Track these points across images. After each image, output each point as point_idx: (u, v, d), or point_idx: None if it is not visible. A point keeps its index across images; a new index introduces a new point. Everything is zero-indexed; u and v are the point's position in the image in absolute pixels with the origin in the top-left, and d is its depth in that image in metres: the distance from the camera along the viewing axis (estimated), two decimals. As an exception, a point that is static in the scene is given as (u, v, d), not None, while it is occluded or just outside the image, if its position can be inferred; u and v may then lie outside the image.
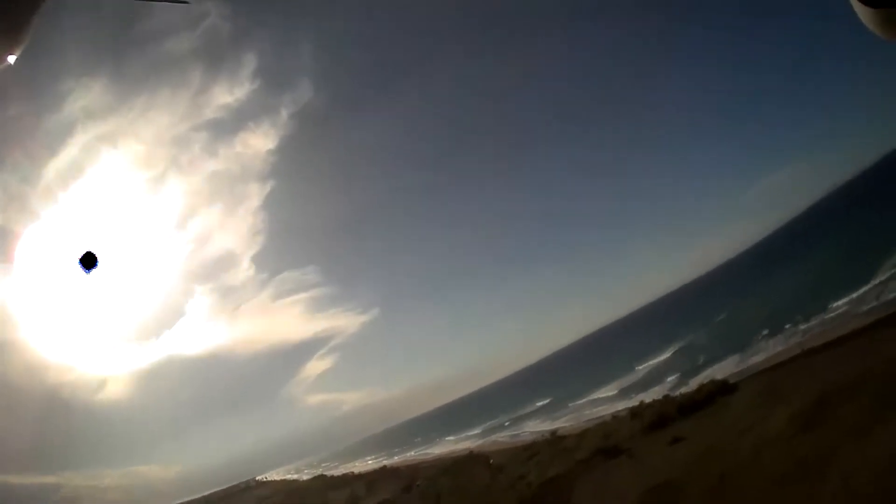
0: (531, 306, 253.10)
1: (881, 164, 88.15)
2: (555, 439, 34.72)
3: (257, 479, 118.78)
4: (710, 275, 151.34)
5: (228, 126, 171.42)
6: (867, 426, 12.72)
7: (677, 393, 29.49)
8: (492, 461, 35.27)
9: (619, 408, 36.55)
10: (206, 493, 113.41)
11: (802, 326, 32.51)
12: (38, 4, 3.68)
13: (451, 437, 75.82)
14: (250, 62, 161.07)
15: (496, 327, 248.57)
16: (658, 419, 24.85)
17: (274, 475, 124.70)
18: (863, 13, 2.59)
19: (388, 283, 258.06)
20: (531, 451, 34.09)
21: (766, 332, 36.76)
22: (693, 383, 32.16)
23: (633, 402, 34.74)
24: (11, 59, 3.77)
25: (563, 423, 44.38)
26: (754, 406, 19.47)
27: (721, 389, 24.62)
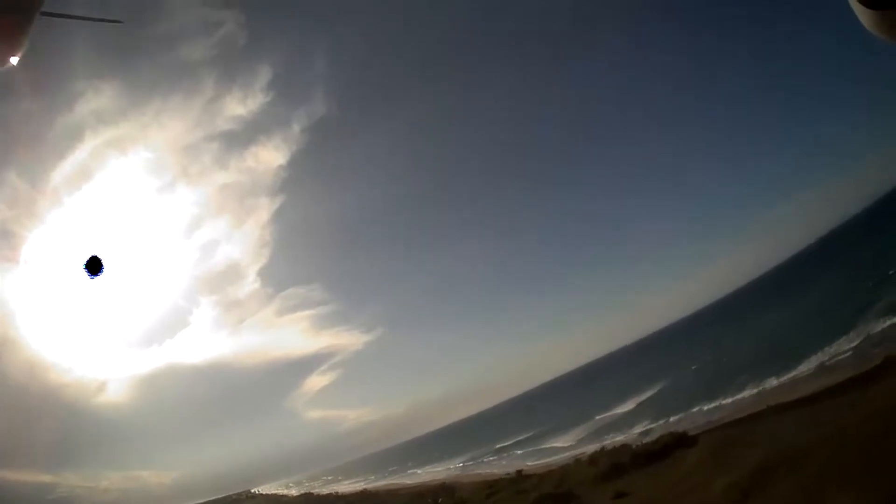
0: (534, 332, 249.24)
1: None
2: (518, 478, 33.52)
3: (252, 491, 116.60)
4: (720, 302, 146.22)
5: (240, 138, 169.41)
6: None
7: (637, 443, 27.25)
8: (440, 500, 33.44)
9: (586, 450, 34.67)
10: (199, 501, 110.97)
11: (775, 381, 30.31)
12: (37, 10, 3.65)
13: (430, 468, 73.86)
14: (264, 74, 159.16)
15: (497, 352, 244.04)
16: (611, 468, 23.00)
17: (267, 489, 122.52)
18: (863, 15, 2.49)
19: (392, 304, 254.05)
20: (494, 488, 32.88)
21: (742, 378, 34.36)
22: (657, 430, 29.98)
23: (600, 444, 32.67)
24: (14, 60, 3.77)
25: (532, 461, 42.30)
26: (702, 467, 17.35)
27: (679, 442, 22.60)
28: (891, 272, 37.90)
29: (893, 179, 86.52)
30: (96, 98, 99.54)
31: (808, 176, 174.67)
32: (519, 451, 54.02)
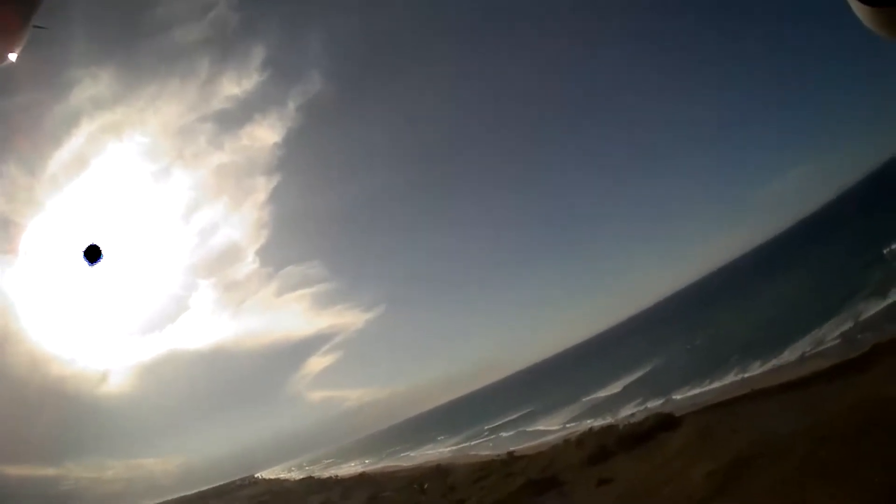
0: (534, 307, 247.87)
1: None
2: (510, 460, 33.36)
3: (256, 476, 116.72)
4: (720, 271, 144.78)
5: (235, 118, 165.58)
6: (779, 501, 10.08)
7: (624, 424, 26.81)
8: (426, 485, 33.17)
9: (575, 430, 34.37)
10: (203, 488, 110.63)
11: (761, 365, 29.68)
12: (37, 5, 3.56)
13: (424, 450, 74.25)
14: (258, 53, 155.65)
15: (497, 328, 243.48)
16: (598, 451, 22.63)
17: (270, 473, 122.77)
18: (862, 13, 2.45)
19: (392, 281, 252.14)
20: (484, 471, 32.69)
21: (729, 362, 33.87)
22: (645, 411, 29.58)
23: (588, 425, 32.39)
24: (12, 56, 3.67)
25: (523, 442, 41.97)
26: (685, 451, 16.88)
27: (664, 424, 22.13)
28: (885, 251, 37.16)
29: (887, 155, 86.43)
30: (93, 85, 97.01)
31: (802, 153, 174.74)
32: (512, 432, 53.86)
